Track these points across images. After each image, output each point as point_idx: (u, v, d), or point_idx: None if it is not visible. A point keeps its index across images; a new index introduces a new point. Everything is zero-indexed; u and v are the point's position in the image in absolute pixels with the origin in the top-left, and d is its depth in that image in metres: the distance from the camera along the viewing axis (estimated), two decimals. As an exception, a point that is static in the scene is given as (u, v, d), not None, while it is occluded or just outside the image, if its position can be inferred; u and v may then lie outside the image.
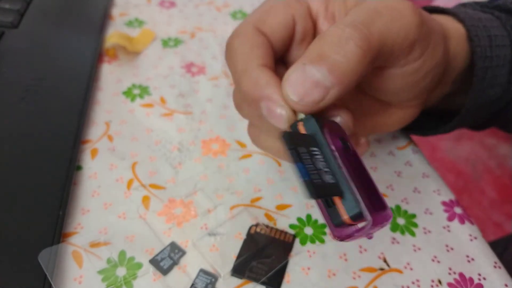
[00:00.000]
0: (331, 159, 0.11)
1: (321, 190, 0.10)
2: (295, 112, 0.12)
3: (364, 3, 0.13)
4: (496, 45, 0.17)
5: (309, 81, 0.12)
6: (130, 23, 0.29)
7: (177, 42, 0.28)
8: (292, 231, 0.17)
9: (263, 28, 0.14)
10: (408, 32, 0.13)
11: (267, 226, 0.17)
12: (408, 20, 0.13)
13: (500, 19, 0.18)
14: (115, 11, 0.30)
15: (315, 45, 0.12)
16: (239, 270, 0.16)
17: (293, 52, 0.15)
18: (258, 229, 0.17)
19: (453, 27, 0.17)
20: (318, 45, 0.12)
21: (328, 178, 0.11)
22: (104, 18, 0.27)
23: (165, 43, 0.27)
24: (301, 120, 0.12)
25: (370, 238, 0.12)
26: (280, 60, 0.15)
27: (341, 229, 0.11)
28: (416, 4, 0.14)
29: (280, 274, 0.16)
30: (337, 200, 0.11)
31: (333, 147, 0.11)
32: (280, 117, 0.12)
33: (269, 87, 0.12)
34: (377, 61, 0.13)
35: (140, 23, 0.29)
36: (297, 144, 0.11)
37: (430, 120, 0.20)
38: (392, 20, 0.13)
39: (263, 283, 0.15)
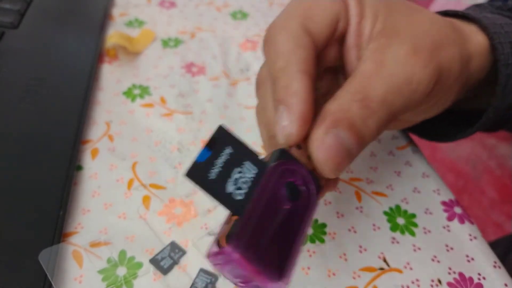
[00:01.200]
0: (253, 187, 0.11)
1: (198, 176, 0.10)
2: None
3: (379, 63, 0.13)
4: None
5: (344, 150, 0.12)
6: (130, 23, 0.29)
7: (177, 42, 0.28)
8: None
9: (310, 26, 0.13)
10: (417, 102, 0.13)
11: None
12: (421, 94, 0.13)
13: None
14: (115, 11, 0.30)
15: (342, 108, 0.12)
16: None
17: (329, 50, 0.15)
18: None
19: (477, 40, 0.16)
20: (346, 109, 0.12)
21: (236, 193, 0.10)
22: (104, 18, 0.27)
23: (165, 43, 0.27)
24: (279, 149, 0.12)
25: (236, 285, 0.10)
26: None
27: (214, 248, 0.10)
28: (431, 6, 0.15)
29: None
30: (233, 218, 0.10)
31: (265, 183, 0.11)
32: (284, 131, 0.12)
33: (297, 98, 0.12)
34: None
35: (140, 23, 0.29)
36: (230, 143, 0.11)
37: (442, 124, 0.20)
38: (409, 96, 0.13)
39: None
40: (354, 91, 0.12)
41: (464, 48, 0.15)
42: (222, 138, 0.11)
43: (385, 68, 0.13)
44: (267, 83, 0.14)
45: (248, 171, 0.11)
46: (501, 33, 0.17)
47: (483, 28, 0.17)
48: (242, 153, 0.11)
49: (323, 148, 0.11)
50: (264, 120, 0.14)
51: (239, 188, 0.11)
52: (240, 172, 0.11)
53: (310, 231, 0.18)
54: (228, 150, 0.11)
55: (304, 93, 0.12)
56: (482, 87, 0.17)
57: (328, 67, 0.15)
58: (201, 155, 0.10)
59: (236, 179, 0.11)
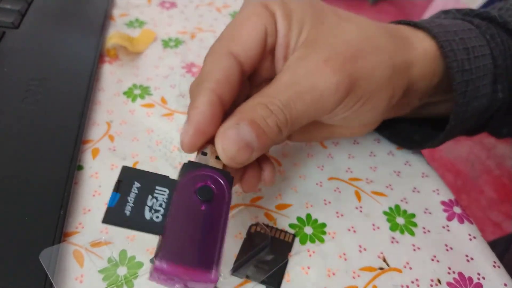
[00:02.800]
0: (168, 205, 0.12)
1: (115, 218, 0.12)
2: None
3: (292, 73, 0.14)
4: (475, 56, 0.17)
5: (243, 141, 0.13)
6: (130, 24, 0.29)
7: (177, 42, 0.28)
8: (292, 231, 0.17)
9: (234, 49, 0.15)
10: (326, 108, 0.15)
11: (267, 226, 0.17)
12: (328, 101, 0.14)
13: (480, 28, 0.18)
14: (116, 12, 0.30)
15: (248, 109, 0.14)
16: (239, 269, 0.16)
17: (264, 63, 0.16)
18: (258, 229, 0.17)
19: (422, 47, 0.17)
20: (251, 110, 0.14)
21: (150, 215, 0.12)
22: (104, 19, 0.27)
23: (166, 43, 0.28)
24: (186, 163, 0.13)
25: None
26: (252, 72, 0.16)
27: (151, 269, 0.11)
28: (399, 12, 0.15)
29: (280, 274, 0.16)
30: (160, 237, 0.12)
31: (175, 203, 0.12)
32: (181, 140, 0.14)
33: (195, 111, 0.13)
34: (298, 126, 0.15)
35: (140, 23, 0.29)
36: (136, 178, 0.12)
37: (419, 130, 0.21)
38: (312, 103, 0.14)
39: (263, 283, 0.16)
40: (263, 96, 0.14)
41: (399, 55, 0.16)
42: (127, 177, 0.12)
43: (295, 77, 0.14)
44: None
45: (161, 194, 0.12)
46: (454, 40, 0.17)
47: (433, 36, 0.17)
48: (151, 181, 0.12)
49: (224, 138, 0.13)
50: None
51: (157, 211, 0.12)
52: (153, 198, 0.12)
53: (310, 230, 0.18)
54: (136, 185, 0.12)
55: (203, 106, 0.13)
56: (450, 93, 0.17)
57: (266, 78, 0.16)
58: (110, 200, 0.12)
59: (151, 206, 0.12)
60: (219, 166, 0.13)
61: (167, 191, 0.12)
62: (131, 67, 0.25)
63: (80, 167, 0.19)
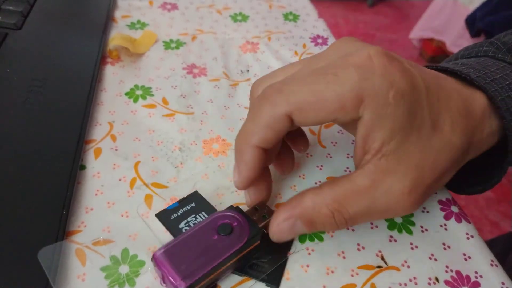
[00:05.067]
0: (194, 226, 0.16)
1: (162, 217, 0.17)
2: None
3: (372, 184, 0.14)
4: None
5: (294, 234, 0.15)
6: (132, 25, 0.29)
7: (178, 44, 0.28)
8: None
9: (294, 118, 0.14)
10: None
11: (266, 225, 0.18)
12: (390, 216, 0.15)
13: None
14: (118, 13, 0.30)
15: (312, 209, 0.14)
16: (239, 267, 0.16)
17: None
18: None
19: (489, 126, 0.16)
20: (315, 211, 0.14)
21: (182, 225, 0.17)
22: (106, 20, 0.28)
23: (167, 45, 0.28)
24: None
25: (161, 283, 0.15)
26: None
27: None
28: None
29: (279, 272, 0.16)
30: (173, 239, 0.15)
31: (199, 225, 0.15)
32: (235, 183, 0.16)
33: (245, 166, 0.15)
34: None
35: (142, 25, 0.29)
36: (195, 201, 0.18)
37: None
38: (377, 219, 0.15)
39: (263, 281, 0.16)
40: (335, 198, 0.14)
41: (469, 155, 0.16)
42: (191, 197, 0.18)
43: (375, 193, 0.14)
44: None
45: (200, 217, 0.17)
46: (509, 96, 0.16)
47: (489, 98, 0.16)
48: (202, 206, 0.17)
49: (276, 227, 0.15)
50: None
51: (189, 226, 0.17)
52: (194, 217, 0.17)
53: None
54: (192, 204, 0.17)
55: (251, 162, 0.15)
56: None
57: None
58: (171, 205, 0.17)
59: (188, 221, 0.17)
60: (259, 222, 0.16)
61: (206, 216, 0.17)
62: (132, 68, 0.26)
63: (82, 167, 0.19)
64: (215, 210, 0.17)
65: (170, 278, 0.14)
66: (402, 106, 0.13)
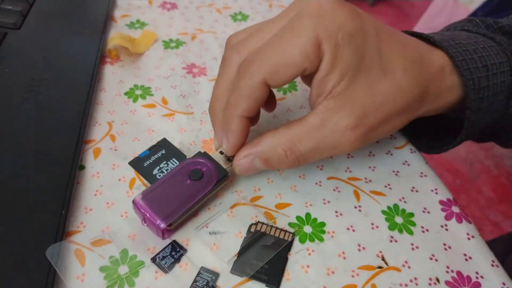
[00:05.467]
0: (168, 170, 0.18)
1: (136, 165, 0.18)
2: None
3: (320, 122, 0.15)
4: (494, 73, 0.17)
5: (254, 169, 0.17)
6: (132, 25, 0.29)
7: (178, 43, 0.28)
8: (291, 229, 0.18)
9: (270, 82, 0.15)
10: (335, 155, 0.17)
11: (266, 225, 0.18)
12: (340, 153, 0.16)
13: (501, 45, 0.18)
14: (117, 13, 0.30)
15: (267, 147, 0.16)
16: (239, 268, 0.16)
17: None
18: (258, 227, 0.17)
19: (450, 81, 0.17)
20: (270, 149, 0.16)
21: (156, 172, 0.18)
22: (106, 20, 0.28)
23: (167, 44, 0.28)
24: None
25: (143, 223, 0.16)
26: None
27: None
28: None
29: (279, 272, 0.16)
30: (150, 185, 0.17)
31: (173, 172, 0.17)
32: (222, 149, 0.18)
33: (232, 135, 0.17)
34: None
35: (141, 24, 0.29)
36: (165, 148, 0.19)
37: (427, 132, 0.21)
38: (327, 155, 0.16)
39: (263, 281, 0.16)
40: (288, 138, 0.16)
41: (423, 106, 0.17)
42: (160, 145, 0.19)
43: (323, 130, 0.15)
44: (227, 74, 0.17)
45: (172, 163, 0.18)
46: (472, 58, 0.17)
47: (450, 56, 0.17)
48: (172, 154, 0.18)
49: (239, 164, 0.17)
50: (216, 93, 0.18)
51: (162, 172, 0.18)
52: (165, 163, 0.18)
53: (309, 229, 0.18)
54: (161, 152, 0.18)
55: (238, 131, 0.17)
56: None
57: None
58: (142, 153, 0.19)
59: (161, 168, 0.18)
60: (224, 165, 0.18)
61: (177, 163, 0.18)
62: (132, 68, 0.25)
63: (82, 167, 0.19)
64: (185, 156, 0.18)
65: (151, 219, 0.15)
66: (349, 47, 0.14)
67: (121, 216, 0.17)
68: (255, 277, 0.16)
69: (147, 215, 0.16)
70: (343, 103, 0.15)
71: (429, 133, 0.21)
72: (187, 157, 0.18)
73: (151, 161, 0.18)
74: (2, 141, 0.18)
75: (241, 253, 0.16)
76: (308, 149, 0.16)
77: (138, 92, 0.24)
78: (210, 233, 0.17)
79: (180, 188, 0.16)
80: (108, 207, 0.18)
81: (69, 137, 0.19)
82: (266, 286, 0.16)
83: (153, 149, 0.18)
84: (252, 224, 0.17)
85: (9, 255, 0.15)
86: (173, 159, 0.18)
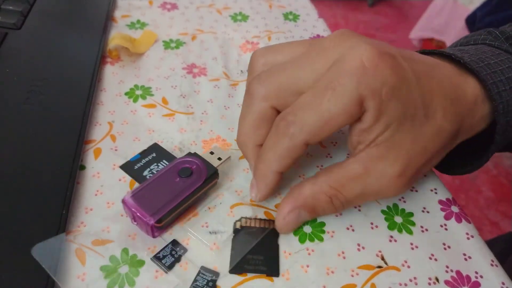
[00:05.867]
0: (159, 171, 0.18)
1: (127, 168, 0.18)
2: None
3: (365, 170, 0.15)
4: None
5: (300, 222, 0.17)
6: (132, 25, 0.29)
7: (178, 43, 0.28)
8: (273, 218, 0.18)
9: (311, 142, 0.15)
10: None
11: (249, 218, 0.18)
12: (388, 197, 0.16)
13: None
14: (118, 13, 0.30)
15: (311, 197, 0.16)
16: (236, 266, 0.16)
17: None
18: (242, 223, 0.17)
19: (482, 111, 0.17)
20: (314, 199, 0.16)
21: (146, 173, 0.18)
22: (106, 20, 0.28)
23: (167, 44, 0.28)
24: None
25: (133, 222, 0.16)
26: None
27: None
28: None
29: (276, 261, 0.16)
30: (139, 184, 0.17)
31: (162, 171, 0.17)
32: (252, 197, 0.18)
33: (267, 192, 0.17)
34: None
35: (142, 25, 0.29)
36: (155, 151, 0.19)
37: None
38: (371, 200, 0.17)
39: (262, 272, 0.16)
40: (331, 184, 0.16)
41: (457, 139, 0.17)
42: (151, 149, 0.19)
43: (367, 178, 0.15)
44: (254, 110, 0.17)
45: (162, 165, 0.18)
46: (501, 81, 0.17)
47: (481, 81, 0.17)
48: (163, 156, 0.19)
49: (283, 221, 0.17)
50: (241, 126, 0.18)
51: (152, 173, 0.18)
52: (156, 165, 0.18)
53: (309, 229, 0.18)
54: (152, 155, 0.19)
55: (272, 185, 0.17)
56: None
57: None
58: (133, 157, 0.19)
59: (151, 169, 0.18)
60: (215, 164, 0.18)
61: (167, 163, 0.18)
62: (132, 68, 0.25)
63: (82, 167, 0.19)
64: (175, 157, 0.18)
65: (140, 216, 0.16)
66: (394, 100, 0.15)
67: (122, 215, 0.17)
68: (255, 270, 0.16)
69: (136, 213, 0.16)
70: (387, 151, 0.15)
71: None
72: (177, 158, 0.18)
73: (142, 164, 0.18)
74: (2, 141, 0.18)
75: (234, 251, 0.16)
76: (353, 195, 0.16)
77: (139, 92, 0.24)
78: (210, 232, 0.17)
79: (169, 185, 0.16)
80: (109, 206, 0.18)
81: (70, 137, 0.19)
82: (267, 276, 0.16)
83: (144, 153, 0.19)
84: (236, 221, 0.18)
85: (9, 254, 0.15)
86: (164, 160, 0.18)
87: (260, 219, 0.18)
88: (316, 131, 0.15)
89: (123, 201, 0.16)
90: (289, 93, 0.16)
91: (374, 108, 0.14)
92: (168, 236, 0.17)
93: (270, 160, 0.16)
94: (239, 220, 0.17)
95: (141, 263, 0.16)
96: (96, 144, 0.20)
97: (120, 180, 0.19)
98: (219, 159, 0.18)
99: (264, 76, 0.16)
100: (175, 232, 0.17)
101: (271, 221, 0.17)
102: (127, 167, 0.18)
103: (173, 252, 0.16)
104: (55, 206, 0.16)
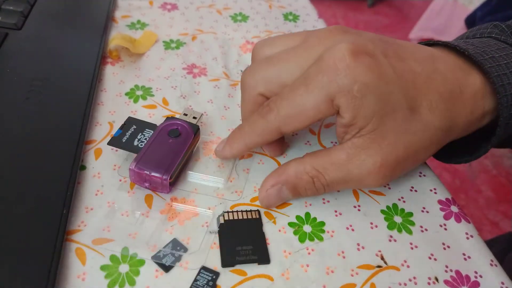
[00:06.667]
0: (147, 139, 0.19)
1: (116, 142, 0.19)
2: None
3: (348, 158, 0.16)
4: None
5: (281, 199, 0.18)
6: (132, 25, 0.29)
7: (178, 44, 0.28)
8: (254, 208, 0.18)
9: (283, 129, 0.17)
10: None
11: (232, 212, 0.18)
12: (365, 186, 0.18)
13: None
14: (118, 14, 0.30)
15: (294, 175, 0.17)
16: (228, 259, 0.16)
17: None
18: (226, 217, 0.18)
19: (487, 104, 0.17)
20: (297, 177, 0.17)
21: (137, 143, 0.19)
22: (107, 20, 0.28)
23: (167, 45, 0.28)
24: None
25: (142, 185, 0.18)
26: None
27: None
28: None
29: (264, 248, 0.17)
30: (136, 154, 0.18)
31: (153, 137, 0.19)
32: (219, 155, 0.19)
33: (229, 149, 0.19)
34: None
35: (142, 25, 0.29)
36: (134, 123, 0.20)
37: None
38: (352, 187, 0.19)
39: (254, 261, 0.16)
40: (315, 166, 0.17)
41: (450, 136, 0.17)
42: (129, 122, 0.20)
43: (348, 165, 0.16)
44: (248, 100, 0.19)
45: (147, 133, 0.20)
46: (505, 74, 0.17)
47: (485, 72, 0.17)
48: (144, 126, 0.20)
49: (265, 193, 0.18)
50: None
51: (142, 142, 0.19)
52: (142, 134, 0.19)
53: (309, 229, 0.18)
54: (133, 127, 0.20)
55: (237, 153, 0.19)
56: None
57: None
58: (115, 133, 0.19)
59: (139, 139, 0.19)
60: (193, 121, 0.20)
61: (152, 131, 0.20)
62: (133, 68, 0.26)
63: (83, 167, 0.19)
64: (155, 124, 0.20)
65: (154, 176, 0.17)
66: (369, 96, 0.15)
67: (122, 215, 0.17)
68: (246, 260, 0.16)
69: (149, 173, 0.17)
70: (370, 143, 0.16)
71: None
72: (158, 125, 0.20)
73: (128, 137, 0.19)
74: (3, 141, 0.18)
75: (223, 246, 0.17)
76: (334, 179, 0.17)
77: (139, 92, 0.24)
78: (210, 232, 0.17)
79: (166, 146, 0.18)
80: (109, 206, 0.18)
81: (70, 137, 0.19)
82: (259, 264, 0.16)
83: (124, 128, 0.20)
84: (219, 216, 0.18)
85: (10, 254, 0.15)
86: (147, 129, 0.20)
87: (242, 211, 0.18)
88: (288, 121, 0.16)
89: (131, 170, 0.17)
90: (276, 85, 0.17)
91: (346, 104, 0.15)
92: (168, 236, 0.17)
93: (245, 131, 0.18)
94: (222, 215, 0.18)
95: (142, 262, 0.16)
96: (96, 144, 0.20)
97: (120, 180, 0.19)
98: (194, 118, 0.21)
99: (254, 68, 0.18)
100: (176, 232, 0.17)
101: (253, 211, 0.18)
102: (115, 142, 0.19)
103: (174, 252, 0.16)
104: (56, 206, 0.16)
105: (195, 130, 0.19)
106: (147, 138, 0.19)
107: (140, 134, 0.19)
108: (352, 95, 0.15)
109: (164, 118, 0.20)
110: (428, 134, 0.16)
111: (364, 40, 0.16)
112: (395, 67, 0.16)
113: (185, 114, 0.21)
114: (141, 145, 0.19)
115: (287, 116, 0.16)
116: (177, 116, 0.20)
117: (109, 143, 0.19)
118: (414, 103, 0.16)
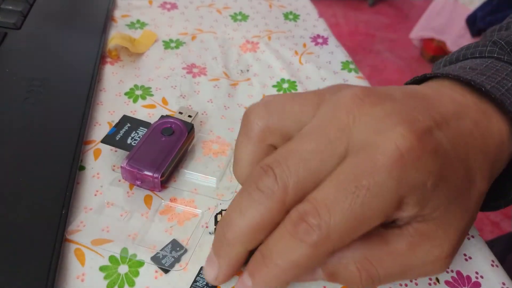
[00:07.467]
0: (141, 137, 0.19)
1: (109, 140, 0.19)
2: None
3: (409, 254, 0.13)
4: None
5: (312, 279, 0.14)
6: (132, 25, 0.29)
7: (178, 43, 0.28)
8: None
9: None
10: None
11: None
12: (424, 277, 0.14)
13: None
14: (117, 13, 0.30)
15: (334, 259, 0.13)
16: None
17: None
18: (222, 215, 0.18)
19: (499, 139, 0.15)
20: (337, 262, 0.13)
21: (130, 141, 0.19)
22: (106, 20, 0.28)
23: (167, 44, 0.28)
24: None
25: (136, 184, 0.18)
26: None
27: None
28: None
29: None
30: (129, 152, 0.18)
31: (146, 135, 0.19)
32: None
33: (229, 272, 0.14)
34: None
35: (141, 24, 0.29)
36: (129, 122, 0.20)
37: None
38: (412, 277, 0.14)
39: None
40: (366, 256, 0.13)
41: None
42: (123, 120, 0.20)
43: (411, 257, 0.13)
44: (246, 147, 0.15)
45: (141, 132, 0.20)
46: None
47: (507, 112, 0.15)
48: (138, 124, 0.20)
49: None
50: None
51: (135, 140, 0.19)
52: (136, 133, 0.19)
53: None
54: (127, 125, 0.20)
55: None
56: None
57: None
58: (110, 131, 0.19)
59: (133, 137, 0.19)
60: (187, 120, 0.20)
61: (146, 130, 0.20)
62: (132, 68, 0.25)
63: (82, 168, 0.19)
64: (149, 123, 0.20)
65: (145, 174, 0.17)
66: (441, 185, 0.12)
67: (121, 215, 0.17)
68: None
69: (141, 172, 0.17)
70: (436, 229, 0.13)
71: None
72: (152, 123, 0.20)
73: (121, 135, 0.19)
74: (2, 141, 0.18)
75: None
76: (388, 274, 0.13)
77: (138, 92, 0.24)
78: (210, 233, 0.17)
79: (158, 144, 0.18)
80: (108, 206, 0.18)
81: (69, 137, 0.19)
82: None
83: (118, 126, 0.20)
84: (217, 214, 0.18)
85: (9, 254, 0.15)
86: (141, 127, 0.20)
87: None
88: (344, 238, 0.12)
89: (123, 168, 0.17)
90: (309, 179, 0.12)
91: (417, 202, 0.12)
92: (168, 236, 0.17)
93: (276, 267, 0.12)
94: (219, 212, 0.18)
95: (141, 263, 0.16)
96: (96, 144, 0.20)
97: (120, 180, 0.19)
98: (189, 116, 0.21)
99: (275, 163, 0.13)
100: (175, 233, 0.17)
101: None
102: (109, 140, 0.19)
103: (173, 252, 0.16)
104: (55, 206, 0.16)
105: (189, 128, 0.19)
106: (141, 136, 0.19)
107: (134, 132, 0.19)
108: (426, 189, 0.12)
109: None
110: (481, 200, 0.14)
111: (408, 110, 0.13)
112: (448, 136, 0.13)
113: (180, 113, 0.21)
114: (135, 143, 0.19)
115: (343, 232, 0.12)
116: (173, 115, 0.20)
117: (102, 141, 0.19)
118: (470, 173, 0.14)
